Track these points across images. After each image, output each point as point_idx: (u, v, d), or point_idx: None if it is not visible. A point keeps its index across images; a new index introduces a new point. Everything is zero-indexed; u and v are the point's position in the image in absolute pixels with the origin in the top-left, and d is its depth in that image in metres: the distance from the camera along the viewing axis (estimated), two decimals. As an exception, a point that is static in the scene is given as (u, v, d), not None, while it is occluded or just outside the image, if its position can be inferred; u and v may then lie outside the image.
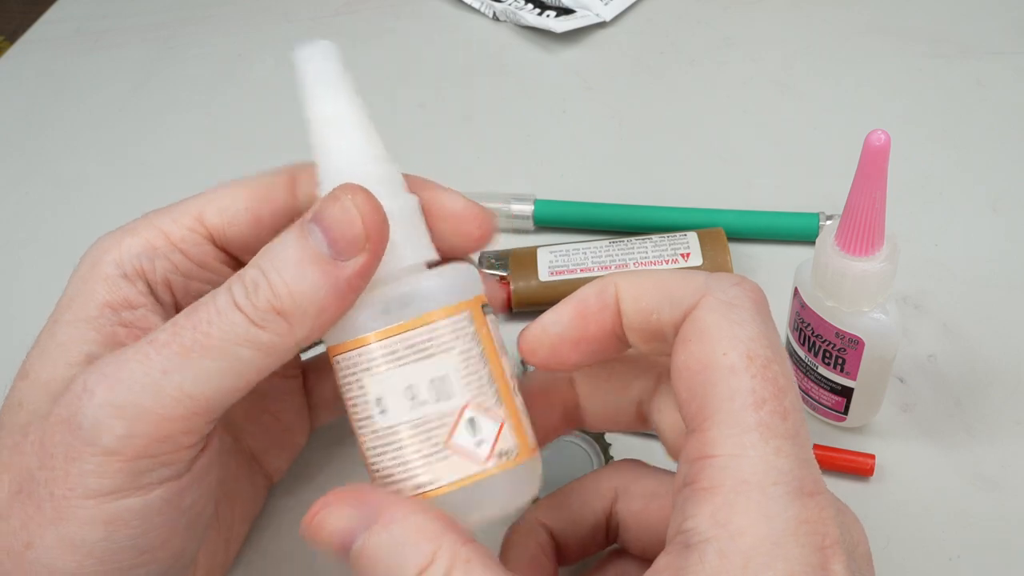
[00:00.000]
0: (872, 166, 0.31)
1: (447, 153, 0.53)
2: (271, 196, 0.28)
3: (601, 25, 0.61)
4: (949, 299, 0.42)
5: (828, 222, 0.44)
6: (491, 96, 0.56)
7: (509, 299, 0.42)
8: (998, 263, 0.43)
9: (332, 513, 0.23)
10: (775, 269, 0.44)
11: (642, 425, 0.28)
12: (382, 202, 0.24)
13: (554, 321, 0.25)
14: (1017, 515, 0.34)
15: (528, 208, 0.46)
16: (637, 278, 0.25)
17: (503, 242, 0.46)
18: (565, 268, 0.42)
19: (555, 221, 0.46)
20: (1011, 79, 0.54)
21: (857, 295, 0.32)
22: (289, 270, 0.23)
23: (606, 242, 0.43)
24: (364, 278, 0.24)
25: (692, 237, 0.42)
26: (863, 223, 0.30)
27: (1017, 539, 0.33)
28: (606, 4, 0.62)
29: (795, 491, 0.20)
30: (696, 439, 0.21)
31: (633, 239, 0.43)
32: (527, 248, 0.43)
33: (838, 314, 0.33)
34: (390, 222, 0.24)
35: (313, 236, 0.24)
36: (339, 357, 0.25)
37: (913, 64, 0.55)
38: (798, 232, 0.44)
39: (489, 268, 0.43)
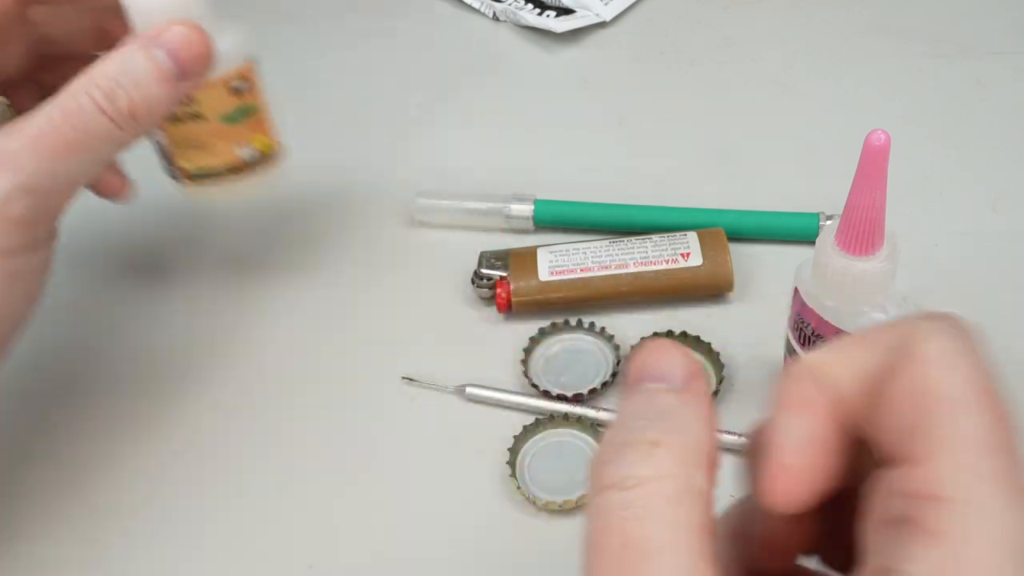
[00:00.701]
0: (872, 166, 0.31)
1: (447, 153, 0.53)
2: None
3: (601, 25, 0.61)
4: (948, 299, 0.41)
5: (828, 222, 0.44)
6: (491, 96, 0.56)
7: (509, 299, 0.42)
8: (998, 263, 0.43)
9: (672, 352, 0.21)
10: (775, 269, 0.44)
11: None
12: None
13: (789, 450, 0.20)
14: (1017, 515, 0.34)
15: (528, 208, 0.46)
16: (828, 349, 0.21)
17: (503, 242, 0.46)
18: (565, 268, 0.42)
19: (555, 221, 0.46)
20: (1011, 79, 0.54)
21: (857, 295, 0.32)
22: (144, 85, 0.33)
23: (606, 242, 0.43)
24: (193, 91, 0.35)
25: (692, 237, 0.42)
26: (863, 223, 0.30)
27: (1017, 539, 0.33)
28: (606, 4, 0.62)
29: (1010, 537, 0.17)
30: (914, 472, 0.18)
31: (633, 239, 0.43)
32: (527, 248, 0.43)
33: (838, 314, 0.33)
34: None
35: (160, 58, 0.33)
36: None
37: (913, 64, 0.55)
38: (798, 232, 0.44)
39: (489, 268, 0.43)
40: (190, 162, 0.39)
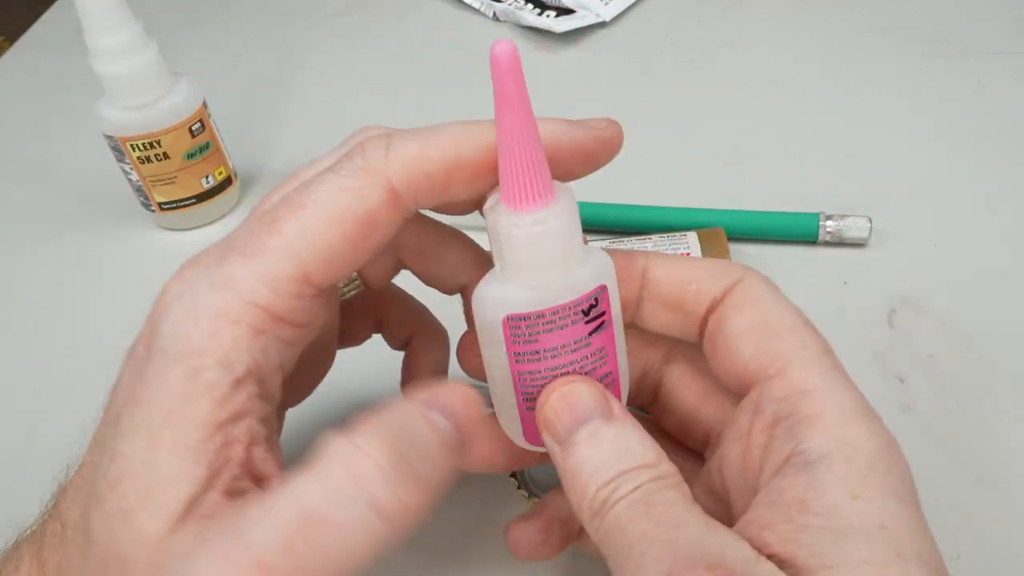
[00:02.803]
0: (506, 87, 0.24)
1: (447, 153, 0.52)
2: (375, 222, 0.24)
3: (601, 25, 0.61)
4: (949, 299, 0.42)
5: (828, 222, 0.44)
6: (491, 96, 0.56)
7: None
8: (998, 263, 0.43)
9: (578, 392, 0.24)
10: (775, 269, 0.44)
11: (639, 397, 0.30)
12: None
13: None
14: (1017, 514, 0.34)
15: (528, 208, 0.46)
16: (671, 257, 0.27)
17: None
18: (565, 268, 0.42)
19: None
20: (1011, 79, 0.54)
21: (541, 260, 0.24)
22: (428, 461, 0.22)
23: (606, 242, 0.43)
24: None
25: (692, 237, 0.42)
26: (520, 167, 0.24)
27: (1017, 538, 0.33)
28: (606, 4, 0.62)
29: (878, 417, 0.23)
30: (779, 381, 0.24)
31: (633, 239, 0.43)
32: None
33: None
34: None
35: (440, 424, 0.23)
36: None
37: (913, 64, 0.55)
38: (798, 232, 0.44)
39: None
40: (162, 195, 0.47)
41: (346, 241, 0.23)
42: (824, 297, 0.42)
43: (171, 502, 0.21)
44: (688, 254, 0.41)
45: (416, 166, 0.24)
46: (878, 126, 0.52)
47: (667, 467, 0.23)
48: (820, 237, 0.44)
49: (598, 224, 0.46)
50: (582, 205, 0.46)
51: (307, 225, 0.23)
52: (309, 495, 0.20)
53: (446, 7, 0.64)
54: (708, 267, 0.27)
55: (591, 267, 0.25)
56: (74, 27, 0.42)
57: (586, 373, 0.25)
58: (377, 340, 0.35)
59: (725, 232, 0.42)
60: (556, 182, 0.24)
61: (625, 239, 0.43)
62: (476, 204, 0.27)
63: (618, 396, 0.27)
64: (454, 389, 0.23)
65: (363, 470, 0.20)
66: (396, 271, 0.30)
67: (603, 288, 0.25)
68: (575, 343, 0.25)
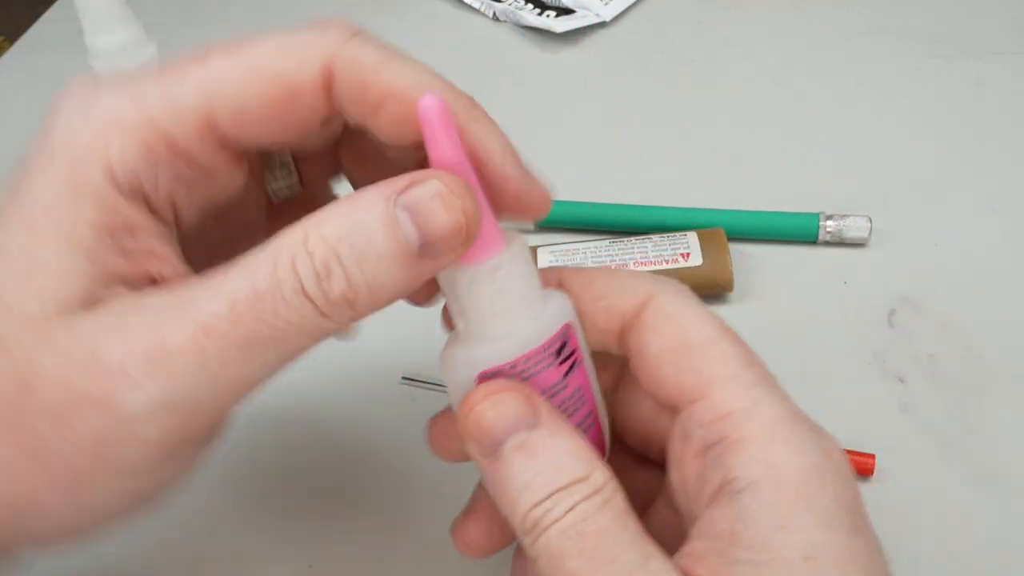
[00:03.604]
0: (440, 142, 0.22)
1: (447, 153, 0.52)
2: (297, 95, 0.22)
3: (601, 25, 0.61)
4: (948, 299, 0.42)
5: (828, 222, 0.44)
6: (491, 96, 0.56)
7: (509, 299, 0.41)
8: (998, 263, 0.43)
9: (503, 401, 0.22)
10: (775, 269, 0.44)
11: None
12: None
13: None
14: (1017, 515, 0.34)
15: (528, 208, 0.46)
16: (582, 270, 0.26)
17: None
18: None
19: (555, 221, 0.46)
20: (1011, 79, 0.54)
21: (505, 308, 0.23)
22: (372, 265, 0.20)
23: (606, 242, 0.43)
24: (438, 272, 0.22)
25: (692, 237, 0.42)
26: None
27: (1017, 539, 0.33)
28: (606, 4, 0.62)
29: (811, 427, 0.23)
30: (703, 405, 0.23)
31: (633, 239, 0.43)
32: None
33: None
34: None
35: (403, 226, 0.20)
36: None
37: (913, 64, 0.55)
38: (798, 232, 0.44)
39: (489, 268, 0.43)
40: None
41: (264, 102, 0.22)
42: (824, 297, 0.42)
43: (59, 289, 0.21)
44: (688, 254, 0.41)
45: (356, 73, 0.23)
46: (878, 126, 0.52)
47: (600, 476, 0.22)
48: (820, 237, 0.44)
49: (598, 224, 0.46)
50: (582, 205, 0.46)
51: (230, 69, 0.22)
52: (257, 275, 0.20)
53: (446, 7, 0.64)
54: (619, 282, 0.25)
55: (553, 306, 0.24)
56: (74, 27, 0.42)
57: (569, 415, 0.24)
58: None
59: (725, 232, 0.42)
60: (503, 227, 0.23)
61: (625, 239, 0.43)
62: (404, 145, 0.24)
63: (600, 433, 0.26)
64: (430, 184, 0.21)
65: (302, 267, 0.20)
66: (334, 173, 0.29)
67: (568, 326, 0.24)
68: (553, 387, 0.24)
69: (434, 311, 0.45)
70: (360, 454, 0.38)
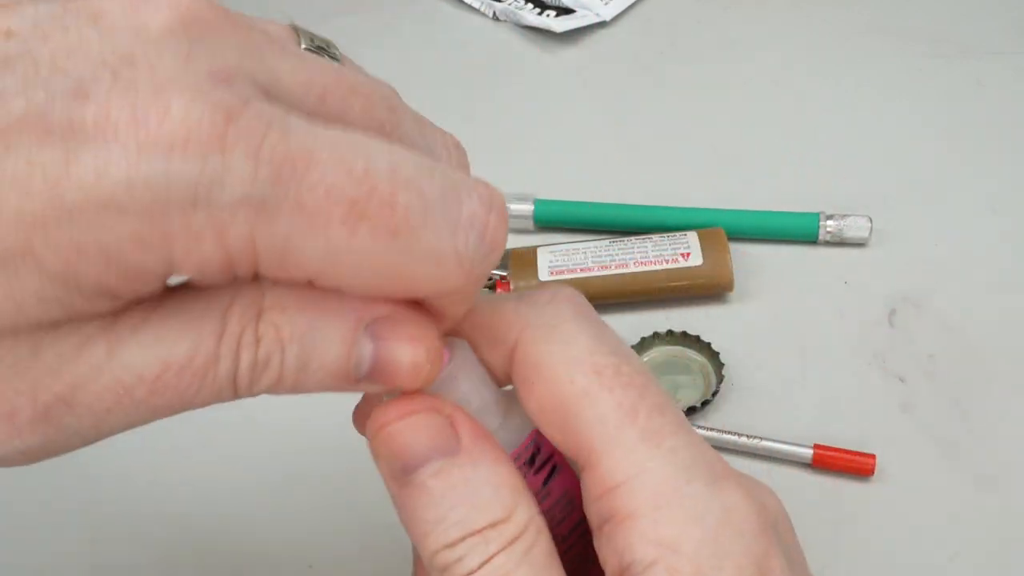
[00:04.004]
0: None
1: (447, 153, 0.52)
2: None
3: (601, 25, 0.61)
4: (948, 299, 0.42)
5: (829, 221, 0.44)
6: (491, 96, 0.56)
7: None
8: (998, 263, 0.43)
9: (417, 425, 0.20)
10: (775, 269, 0.44)
11: None
12: None
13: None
14: (1017, 515, 0.34)
15: (528, 208, 0.46)
16: (469, 313, 0.21)
17: (503, 242, 0.46)
18: (565, 268, 0.42)
19: (555, 221, 0.46)
20: (1011, 79, 0.54)
21: None
22: (310, 374, 0.19)
23: (606, 242, 0.43)
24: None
25: (692, 237, 0.42)
26: None
27: (1017, 539, 0.33)
28: (606, 4, 0.62)
29: (709, 480, 0.19)
30: (591, 477, 0.20)
31: (633, 239, 0.43)
32: (527, 248, 0.43)
33: None
34: None
35: (361, 352, 0.19)
36: None
37: (913, 64, 0.55)
38: (798, 232, 0.44)
39: (489, 268, 0.43)
40: None
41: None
42: (824, 297, 0.42)
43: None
44: (688, 254, 0.41)
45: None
46: (878, 126, 0.52)
47: (523, 515, 0.19)
48: (820, 237, 0.44)
49: (598, 224, 0.46)
50: (583, 205, 0.46)
51: None
52: (200, 346, 0.18)
53: (446, 7, 0.64)
54: (486, 327, 0.21)
55: (519, 412, 0.21)
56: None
57: (559, 523, 0.22)
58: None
59: (725, 232, 0.42)
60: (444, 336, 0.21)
61: (625, 239, 0.43)
62: None
63: None
64: (415, 342, 0.19)
65: (245, 355, 0.18)
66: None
67: (538, 431, 0.21)
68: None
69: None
70: (360, 454, 0.38)
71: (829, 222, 0.44)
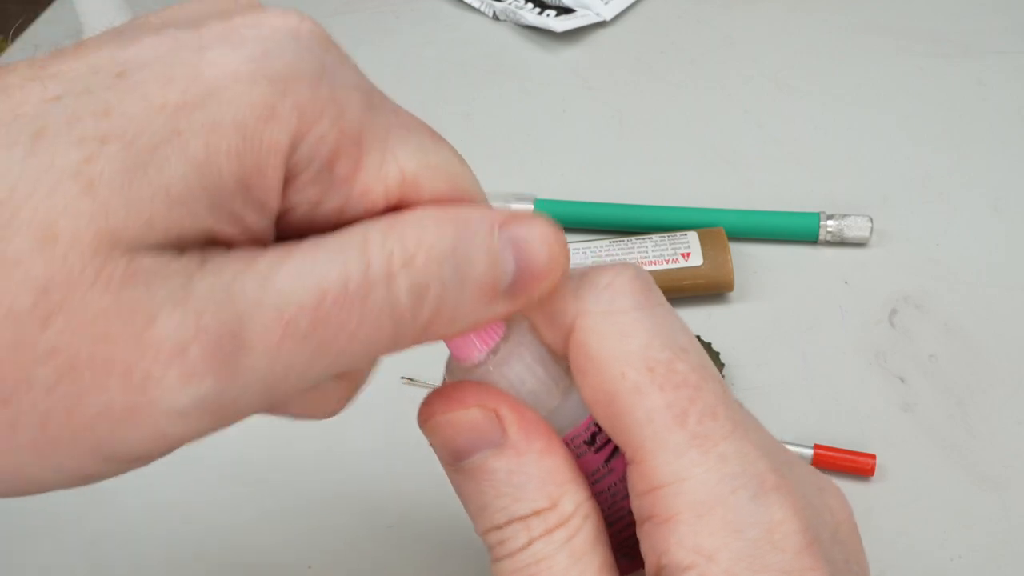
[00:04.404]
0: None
1: (447, 153, 0.52)
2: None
3: (601, 25, 0.61)
4: (949, 299, 0.42)
5: (829, 221, 0.44)
6: (491, 96, 0.56)
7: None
8: (998, 263, 0.43)
9: (467, 416, 0.20)
10: (775, 269, 0.44)
11: None
12: None
13: None
14: (1017, 515, 0.34)
15: (528, 208, 0.46)
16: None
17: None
18: (565, 268, 0.42)
19: (555, 221, 0.46)
20: (1011, 79, 0.54)
21: (522, 397, 0.22)
22: (465, 294, 0.18)
23: (606, 242, 0.43)
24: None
25: (692, 237, 0.42)
26: None
27: (1017, 539, 0.33)
28: (606, 4, 0.62)
29: (756, 492, 0.19)
30: (637, 472, 0.20)
31: (633, 239, 0.43)
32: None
33: None
34: None
35: (504, 263, 0.19)
36: None
37: (913, 64, 0.55)
38: (798, 232, 0.44)
39: (489, 268, 0.43)
40: None
41: None
42: (824, 297, 0.42)
43: (157, 218, 0.16)
44: (689, 254, 0.41)
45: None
46: (878, 126, 0.52)
47: (569, 504, 0.20)
48: (821, 237, 0.44)
49: (598, 224, 0.46)
50: (583, 205, 0.46)
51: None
52: (349, 267, 0.17)
53: (446, 6, 0.64)
54: (550, 307, 0.21)
55: (577, 394, 0.21)
56: (74, 27, 0.42)
57: (624, 498, 0.21)
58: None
59: (725, 232, 0.42)
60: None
61: (625, 239, 0.43)
62: None
63: None
64: (538, 226, 0.19)
65: (402, 277, 0.17)
66: None
67: None
68: (594, 473, 0.21)
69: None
70: (360, 454, 0.38)
71: (829, 222, 0.44)
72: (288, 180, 0.17)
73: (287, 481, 0.37)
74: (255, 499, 0.37)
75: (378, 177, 0.18)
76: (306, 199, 0.18)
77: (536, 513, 0.20)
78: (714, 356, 0.39)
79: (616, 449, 0.21)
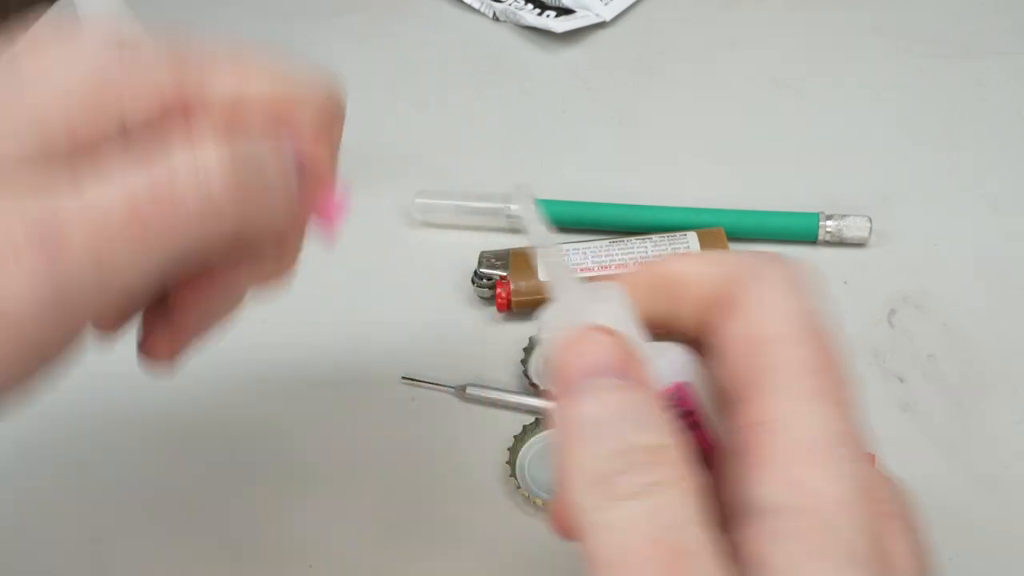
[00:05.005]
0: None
1: (447, 153, 0.53)
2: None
3: (601, 25, 0.61)
4: (948, 299, 0.42)
5: (828, 221, 0.44)
6: (491, 96, 0.56)
7: (509, 299, 0.42)
8: (998, 263, 0.43)
9: (603, 340, 0.20)
10: (775, 269, 0.44)
11: None
12: None
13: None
14: (1017, 515, 0.34)
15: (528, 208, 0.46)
16: (684, 259, 0.24)
17: (503, 242, 0.46)
18: (565, 268, 0.42)
19: (555, 221, 0.46)
20: (1011, 79, 0.54)
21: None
22: (265, 181, 0.23)
23: (606, 242, 0.43)
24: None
25: (692, 237, 0.42)
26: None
27: (1017, 539, 0.33)
28: (606, 4, 0.62)
29: (857, 456, 0.19)
30: (747, 407, 0.20)
31: (633, 239, 0.43)
32: (527, 248, 0.43)
33: None
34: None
35: (287, 156, 0.24)
36: None
37: (913, 64, 0.55)
38: (798, 232, 0.44)
39: (489, 268, 0.43)
40: None
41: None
42: (824, 297, 0.42)
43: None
44: (688, 254, 0.41)
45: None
46: (878, 126, 0.52)
47: (674, 454, 0.19)
48: (820, 237, 0.44)
49: (598, 224, 0.46)
50: (583, 205, 0.46)
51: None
52: (153, 170, 0.21)
53: (446, 7, 0.64)
54: (705, 263, 0.23)
55: (665, 362, 0.21)
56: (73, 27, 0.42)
57: None
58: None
59: (725, 232, 0.42)
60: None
61: (625, 239, 0.43)
62: None
63: None
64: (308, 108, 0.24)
65: (204, 162, 0.21)
66: None
67: (680, 387, 0.21)
68: None
69: (429, 310, 0.45)
70: (360, 453, 0.38)
71: (829, 222, 0.44)
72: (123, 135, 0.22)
73: (287, 480, 0.37)
74: (255, 498, 0.37)
75: (204, 107, 0.23)
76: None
77: (648, 449, 0.19)
78: (714, 356, 0.39)
79: (694, 426, 0.21)
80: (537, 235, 0.23)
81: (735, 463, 0.20)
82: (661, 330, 0.23)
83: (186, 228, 0.21)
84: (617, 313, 0.21)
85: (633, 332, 0.21)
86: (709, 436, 0.21)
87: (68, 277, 0.19)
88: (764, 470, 0.19)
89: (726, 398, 0.21)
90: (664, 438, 0.19)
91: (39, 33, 0.23)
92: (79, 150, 0.21)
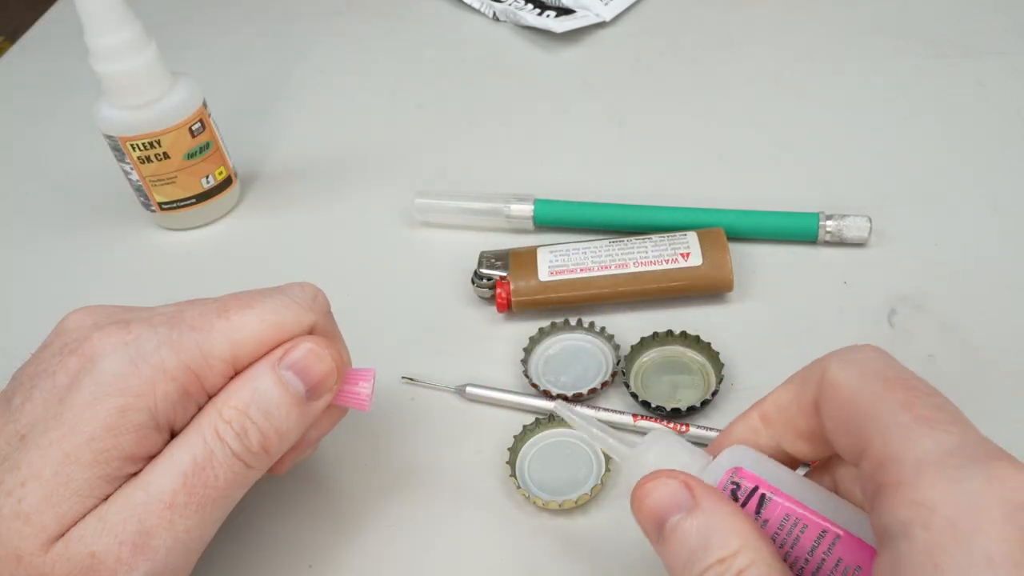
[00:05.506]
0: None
1: (447, 153, 0.53)
2: (289, 327, 0.30)
3: (601, 25, 0.61)
4: (948, 299, 0.42)
5: (828, 222, 0.44)
6: (491, 96, 0.56)
7: (509, 299, 0.42)
8: (998, 263, 0.43)
9: (663, 486, 0.25)
10: (775, 269, 0.44)
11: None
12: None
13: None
14: (1017, 515, 0.34)
15: (528, 208, 0.46)
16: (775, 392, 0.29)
17: (503, 242, 0.46)
18: (565, 268, 0.42)
19: (555, 221, 0.46)
20: (1011, 79, 0.54)
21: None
22: (275, 415, 0.29)
23: (606, 242, 0.43)
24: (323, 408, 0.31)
25: (692, 237, 0.42)
26: None
27: (1017, 539, 0.33)
28: (606, 4, 0.62)
29: (976, 458, 0.21)
30: (866, 458, 0.23)
31: (633, 239, 0.43)
32: (527, 248, 0.43)
33: None
34: None
35: (291, 382, 0.29)
36: None
37: (913, 65, 0.55)
38: (798, 232, 0.44)
39: (489, 268, 0.43)
40: (162, 195, 0.47)
41: (269, 346, 0.29)
42: (824, 297, 0.42)
43: (75, 508, 0.27)
44: (688, 254, 0.41)
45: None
46: (878, 126, 0.52)
47: (749, 555, 0.23)
48: (820, 237, 0.44)
49: (598, 224, 0.46)
50: (583, 205, 0.46)
51: (250, 322, 0.29)
52: (195, 450, 0.28)
53: (446, 7, 0.64)
54: (798, 382, 0.28)
55: (719, 458, 0.27)
56: (74, 27, 0.42)
57: (792, 545, 0.25)
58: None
59: (725, 232, 0.42)
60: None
61: (625, 239, 0.43)
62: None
63: (855, 539, 0.25)
64: (303, 346, 0.29)
65: (226, 434, 0.28)
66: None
67: (736, 469, 0.26)
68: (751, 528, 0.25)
69: (429, 310, 0.45)
70: (360, 453, 0.38)
71: (829, 222, 0.44)
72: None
73: (287, 480, 0.37)
74: (255, 499, 0.37)
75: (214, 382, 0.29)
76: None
77: (721, 560, 0.23)
78: (714, 356, 0.39)
79: (763, 500, 0.25)
80: (590, 436, 0.30)
81: (871, 505, 0.23)
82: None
83: (234, 490, 0.29)
84: (665, 451, 0.28)
85: (684, 458, 0.27)
86: (789, 499, 0.25)
87: (160, 561, 0.27)
88: (890, 500, 0.22)
89: (846, 456, 0.25)
90: (723, 549, 0.24)
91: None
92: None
